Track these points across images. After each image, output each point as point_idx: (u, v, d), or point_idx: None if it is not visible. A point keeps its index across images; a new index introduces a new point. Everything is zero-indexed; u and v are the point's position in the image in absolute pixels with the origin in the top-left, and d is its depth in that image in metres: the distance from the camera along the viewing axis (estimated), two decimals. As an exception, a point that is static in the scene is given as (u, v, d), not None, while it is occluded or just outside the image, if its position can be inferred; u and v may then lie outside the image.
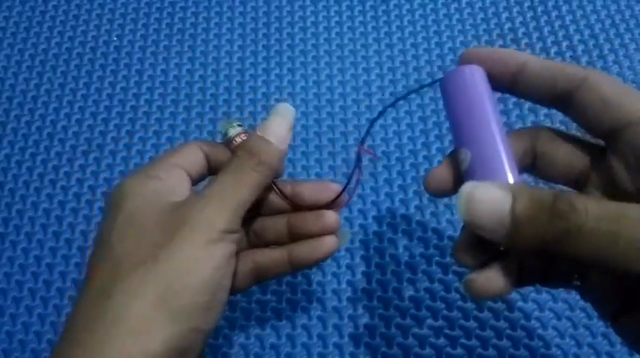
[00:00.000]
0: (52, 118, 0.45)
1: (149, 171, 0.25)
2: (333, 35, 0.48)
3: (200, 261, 0.22)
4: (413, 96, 0.44)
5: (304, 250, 0.27)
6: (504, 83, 0.22)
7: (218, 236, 0.23)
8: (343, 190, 0.27)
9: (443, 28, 0.48)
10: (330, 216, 0.27)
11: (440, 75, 0.45)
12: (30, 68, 0.47)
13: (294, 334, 0.36)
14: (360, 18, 0.49)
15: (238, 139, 0.27)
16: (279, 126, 0.26)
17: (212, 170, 0.28)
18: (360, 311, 0.36)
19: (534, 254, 0.21)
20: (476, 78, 0.22)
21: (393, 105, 0.27)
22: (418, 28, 0.48)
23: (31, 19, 0.50)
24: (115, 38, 0.49)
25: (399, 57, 0.46)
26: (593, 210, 0.17)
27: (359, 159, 0.27)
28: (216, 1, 0.50)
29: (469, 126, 0.22)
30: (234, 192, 0.24)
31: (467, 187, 0.19)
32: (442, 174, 0.24)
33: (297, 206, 0.27)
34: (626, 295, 0.21)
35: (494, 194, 0.18)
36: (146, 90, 0.46)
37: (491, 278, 0.21)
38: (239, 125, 0.27)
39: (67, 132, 0.44)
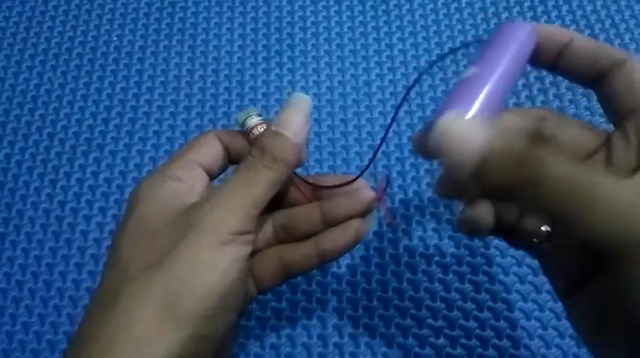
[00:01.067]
0: (52, 118, 0.45)
1: (167, 170, 0.24)
2: (333, 35, 0.48)
3: (207, 264, 0.21)
4: (413, 96, 0.44)
5: (332, 238, 0.26)
6: (550, 55, 0.23)
7: (228, 238, 0.22)
8: (361, 174, 0.26)
9: (443, 28, 0.48)
10: (366, 192, 0.26)
11: (435, 70, 0.45)
12: (30, 68, 0.47)
13: (294, 334, 0.36)
14: (360, 18, 0.49)
15: (256, 131, 0.25)
16: (294, 118, 0.24)
17: (233, 160, 0.27)
18: (360, 311, 0.36)
19: (496, 195, 0.22)
20: (525, 37, 0.23)
21: (433, 65, 0.26)
22: (418, 28, 0.48)
23: (31, 19, 0.50)
24: (115, 38, 0.49)
25: (399, 57, 0.46)
26: (559, 170, 0.18)
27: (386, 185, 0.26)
28: (216, 1, 0.50)
29: (489, 59, 0.22)
30: (246, 191, 0.23)
31: (447, 117, 0.19)
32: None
33: (319, 195, 0.26)
34: (582, 268, 0.21)
35: (471, 129, 0.19)
36: (146, 90, 0.46)
37: (481, 214, 0.23)
38: (258, 115, 0.26)
39: (67, 132, 0.44)
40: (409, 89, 0.26)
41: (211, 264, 0.22)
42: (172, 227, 0.22)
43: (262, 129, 0.25)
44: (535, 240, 0.24)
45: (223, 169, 0.27)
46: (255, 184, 0.23)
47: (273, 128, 0.24)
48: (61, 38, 0.49)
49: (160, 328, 0.20)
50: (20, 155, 0.43)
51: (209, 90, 0.45)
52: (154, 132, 0.44)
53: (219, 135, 0.26)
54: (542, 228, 0.23)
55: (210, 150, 0.26)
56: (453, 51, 0.25)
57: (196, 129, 0.43)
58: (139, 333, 0.20)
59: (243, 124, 0.26)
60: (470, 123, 0.19)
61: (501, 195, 0.20)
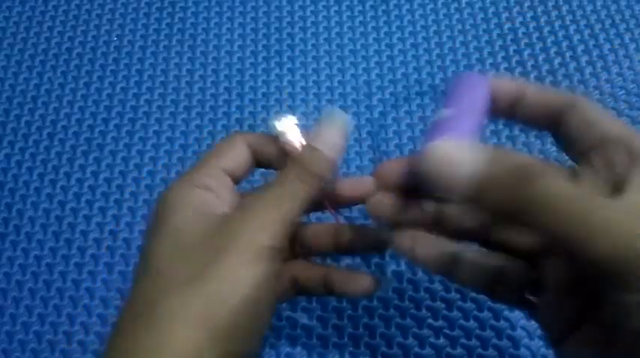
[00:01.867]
0: (52, 118, 0.45)
1: (195, 178, 0.24)
2: (333, 35, 0.48)
3: (243, 280, 0.21)
4: (413, 96, 0.44)
5: (339, 278, 0.26)
6: (504, 107, 0.24)
7: (262, 253, 0.22)
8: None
9: (443, 28, 0.48)
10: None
11: (435, 70, 0.45)
12: (30, 68, 0.47)
13: (294, 334, 0.36)
14: (360, 18, 0.49)
15: (289, 137, 0.25)
16: (332, 134, 0.24)
17: (260, 164, 0.27)
18: (360, 311, 0.36)
19: (494, 215, 0.23)
20: (482, 85, 0.24)
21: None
22: (418, 28, 0.48)
23: (31, 19, 0.50)
24: (115, 38, 0.49)
25: (399, 57, 0.46)
26: (557, 187, 0.18)
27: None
28: (216, 1, 0.50)
29: (459, 103, 0.24)
30: (281, 206, 0.23)
31: (440, 141, 0.20)
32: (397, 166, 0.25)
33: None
34: (580, 308, 0.21)
35: (462, 151, 0.20)
36: (146, 90, 0.46)
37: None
38: (291, 119, 0.25)
39: (67, 132, 0.44)
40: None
41: (247, 279, 0.21)
42: (208, 241, 0.22)
43: (295, 136, 0.25)
44: (526, 296, 0.24)
45: (248, 173, 0.27)
46: (290, 200, 0.23)
47: (311, 142, 0.24)
48: (61, 38, 0.49)
49: (197, 346, 0.20)
50: (20, 155, 0.43)
51: (209, 91, 0.45)
52: (154, 132, 0.44)
53: (247, 139, 0.26)
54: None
55: (237, 156, 0.25)
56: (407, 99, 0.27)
57: (196, 129, 0.44)
58: (177, 351, 0.20)
59: (272, 128, 0.25)
60: (459, 146, 0.20)
61: (500, 219, 0.21)
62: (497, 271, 0.24)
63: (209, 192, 0.24)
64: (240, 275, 0.21)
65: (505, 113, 0.24)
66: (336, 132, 0.25)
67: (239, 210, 0.23)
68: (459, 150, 0.20)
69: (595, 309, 0.20)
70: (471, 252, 0.25)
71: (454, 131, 0.22)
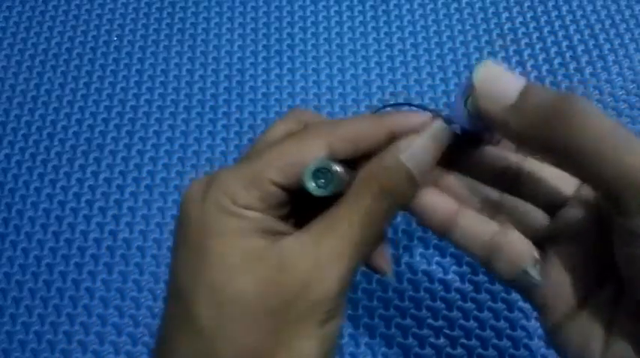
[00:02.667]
0: (52, 118, 0.45)
1: (238, 197, 0.19)
2: (333, 35, 0.48)
3: (311, 350, 0.18)
4: (413, 96, 0.44)
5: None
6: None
7: (327, 316, 0.18)
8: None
9: (443, 28, 0.48)
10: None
11: (435, 70, 0.45)
12: (30, 68, 0.47)
13: (294, 334, 0.36)
14: (360, 18, 0.49)
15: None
16: (427, 152, 0.20)
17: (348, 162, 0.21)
18: (360, 311, 0.36)
19: (528, 140, 0.19)
20: None
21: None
22: (418, 28, 0.48)
23: (31, 19, 0.50)
24: (115, 38, 0.49)
25: (399, 57, 0.46)
26: (595, 117, 0.17)
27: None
28: (216, 1, 0.50)
29: None
30: (356, 251, 0.19)
31: (485, 61, 0.19)
32: None
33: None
34: (597, 270, 0.20)
35: (507, 71, 0.18)
36: (146, 91, 0.46)
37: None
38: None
39: (67, 132, 0.44)
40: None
41: (311, 348, 0.18)
42: (260, 299, 0.18)
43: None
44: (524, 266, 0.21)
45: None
46: (367, 243, 0.19)
47: (400, 155, 0.19)
48: (61, 38, 0.49)
49: None
50: (20, 155, 0.43)
51: (209, 91, 0.45)
52: (154, 132, 0.44)
53: (330, 138, 0.20)
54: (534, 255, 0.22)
55: (302, 163, 0.20)
56: (392, 105, 0.24)
57: (196, 129, 0.43)
58: None
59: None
60: (504, 68, 0.18)
61: (537, 144, 0.18)
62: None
63: (257, 214, 0.19)
64: (305, 347, 0.18)
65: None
66: (433, 151, 0.20)
67: (297, 255, 0.19)
68: (502, 69, 0.18)
69: (611, 267, 0.18)
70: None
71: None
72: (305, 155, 0.19)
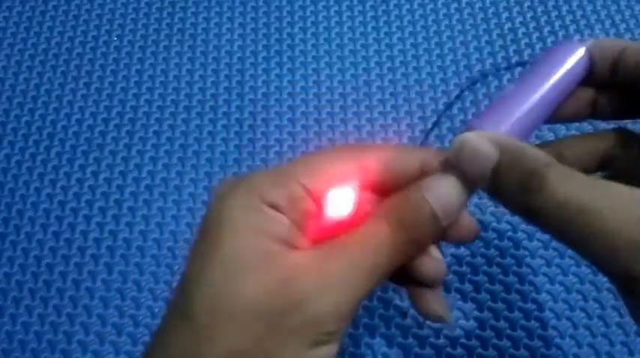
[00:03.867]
0: (52, 118, 0.45)
1: (264, 191, 0.19)
2: (333, 35, 0.48)
3: None
4: (413, 96, 0.44)
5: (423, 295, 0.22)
6: (604, 72, 0.22)
7: (323, 339, 0.18)
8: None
9: (443, 28, 0.48)
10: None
11: (435, 70, 0.45)
12: (30, 68, 0.47)
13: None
14: (360, 18, 0.49)
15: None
16: (455, 192, 0.19)
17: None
18: (360, 311, 0.36)
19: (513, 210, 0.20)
20: (574, 59, 0.22)
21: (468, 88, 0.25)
22: (418, 28, 0.48)
23: (31, 19, 0.50)
24: (115, 38, 0.49)
25: (399, 57, 0.46)
26: (559, 195, 0.17)
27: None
28: (216, 1, 0.50)
29: (529, 80, 0.22)
30: (363, 278, 0.18)
31: (463, 135, 0.19)
32: None
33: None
34: None
35: (484, 148, 0.18)
36: (146, 91, 0.46)
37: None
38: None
39: (67, 132, 0.44)
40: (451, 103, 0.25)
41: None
42: (262, 300, 0.18)
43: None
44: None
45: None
46: (376, 272, 0.19)
47: (424, 193, 0.19)
48: (61, 38, 0.49)
49: None
50: (20, 155, 0.43)
51: (209, 91, 0.45)
52: (154, 132, 0.44)
53: (359, 156, 0.20)
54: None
55: (334, 178, 0.20)
56: (498, 70, 0.25)
57: (196, 129, 0.43)
58: None
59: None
60: (480, 141, 0.19)
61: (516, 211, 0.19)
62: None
63: (277, 215, 0.19)
64: None
65: (605, 79, 0.22)
66: (462, 195, 0.19)
67: (303, 268, 0.18)
68: (481, 143, 0.18)
69: None
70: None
71: (496, 114, 0.21)
72: (335, 164, 0.20)
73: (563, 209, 0.17)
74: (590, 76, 0.23)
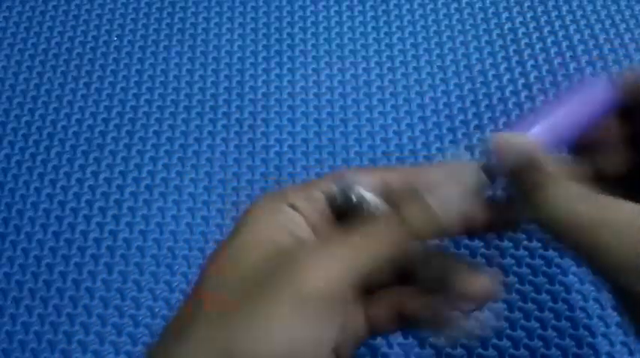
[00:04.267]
0: (52, 118, 0.45)
1: (289, 195, 0.21)
2: (333, 35, 0.48)
3: (277, 327, 0.17)
4: (413, 96, 0.44)
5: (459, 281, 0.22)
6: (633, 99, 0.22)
7: (307, 306, 0.18)
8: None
9: (443, 28, 0.48)
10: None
11: (435, 70, 0.45)
12: (30, 68, 0.47)
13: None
14: (360, 18, 0.49)
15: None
16: (450, 193, 0.20)
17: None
18: (360, 311, 0.36)
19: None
20: (599, 94, 0.23)
21: None
22: (418, 28, 0.48)
23: (31, 19, 0.50)
24: (115, 38, 0.49)
25: (399, 57, 0.46)
26: (560, 211, 0.18)
27: None
28: (216, 1, 0.50)
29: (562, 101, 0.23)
30: (350, 259, 0.19)
31: (498, 134, 0.21)
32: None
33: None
34: None
35: (510, 143, 0.21)
36: (146, 91, 0.46)
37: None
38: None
39: (67, 132, 0.44)
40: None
41: (280, 336, 0.18)
42: (259, 274, 0.19)
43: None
44: None
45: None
46: (365, 256, 0.19)
47: (424, 194, 0.20)
48: (61, 38, 0.49)
49: None
50: (20, 155, 0.43)
51: (209, 91, 0.45)
52: (154, 132, 0.44)
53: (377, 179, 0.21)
54: None
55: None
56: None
57: (196, 129, 0.43)
58: None
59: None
60: (509, 139, 0.21)
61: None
62: None
63: (295, 213, 0.21)
64: (272, 329, 0.17)
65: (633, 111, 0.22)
66: (455, 190, 0.20)
67: (305, 246, 0.20)
68: (506, 141, 0.21)
69: None
70: None
71: (525, 124, 0.22)
72: (354, 175, 0.21)
73: (565, 224, 0.18)
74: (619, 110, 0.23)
